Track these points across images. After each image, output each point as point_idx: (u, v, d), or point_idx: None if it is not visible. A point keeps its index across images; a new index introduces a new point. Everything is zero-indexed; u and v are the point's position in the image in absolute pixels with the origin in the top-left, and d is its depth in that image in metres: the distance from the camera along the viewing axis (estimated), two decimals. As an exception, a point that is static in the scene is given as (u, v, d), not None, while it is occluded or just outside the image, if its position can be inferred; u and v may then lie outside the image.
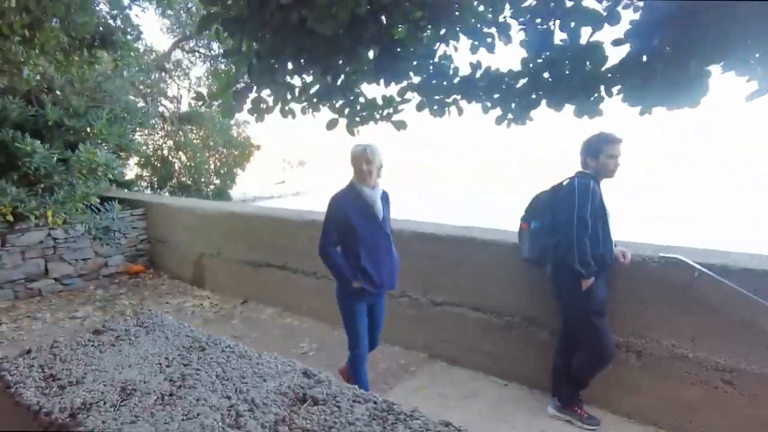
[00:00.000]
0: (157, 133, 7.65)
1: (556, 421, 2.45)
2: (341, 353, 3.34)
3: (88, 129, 4.49)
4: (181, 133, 7.90)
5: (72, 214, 4.13)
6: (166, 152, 8.29)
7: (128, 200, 5.60)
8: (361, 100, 1.65)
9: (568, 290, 2.27)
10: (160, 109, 7.22)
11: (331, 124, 1.73)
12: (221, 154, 8.15)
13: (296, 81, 1.75)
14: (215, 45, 7.67)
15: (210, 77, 8.12)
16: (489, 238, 2.96)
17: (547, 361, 2.64)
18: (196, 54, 7.85)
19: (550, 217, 2.42)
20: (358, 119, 1.70)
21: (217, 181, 8.03)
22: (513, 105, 1.41)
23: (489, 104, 1.49)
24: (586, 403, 2.48)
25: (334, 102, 1.66)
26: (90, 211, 4.47)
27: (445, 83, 1.47)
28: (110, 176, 4.22)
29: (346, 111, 1.69)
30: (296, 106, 1.82)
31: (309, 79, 1.70)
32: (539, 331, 2.75)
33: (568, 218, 2.24)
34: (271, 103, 1.84)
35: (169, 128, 7.58)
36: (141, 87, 6.04)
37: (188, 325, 1.46)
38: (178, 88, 7.69)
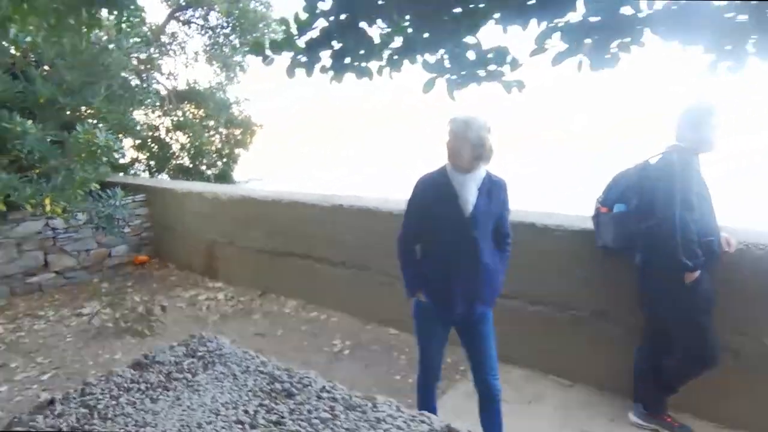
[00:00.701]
0: (153, 113, 7.17)
1: (641, 430, 2.18)
2: (380, 352, 3.05)
3: (83, 107, 4.04)
4: (179, 112, 7.42)
5: (72, 202, 3.74)
6: (163, 133, 7.82)
7: (128, 185, 5.19)
8: (470, 53, 1.25)
9: (667, 284, 1.96)
10: (156, 86, 6.72)
11: (429, 86, 1.34)
12: (222, 135, 7.69)
13: (374, 30, 1.36)
14: (214, 15, 7.13)
15: (210, 50, 7.59)
16: (551, 223, 2.64)
17: (621, 359, 2.36)
18: (193, 26, 7.30)
19: (637, 199, 2.09)
20: (459, 79, 1.29)
21: (219, 163, 7.59)
22: (731, 47, 1.01)
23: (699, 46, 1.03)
24: (669, 408, 2.21)
25: (432, 54, 1.26)
26: (90, 198, 4.08)
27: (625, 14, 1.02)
28: (111, 160, 3.81)
29: (448, 66, 1.27)
30: (374, 64, 1.43)
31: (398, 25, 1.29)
32: (612, 327, 2.46)
33: (666, 200, 1.91)
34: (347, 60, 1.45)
35: (166, 107, 7.09)
36: (135, 61, 5.55)
37: (256, 355, 1.12)
38: (175, 64, 7.15)
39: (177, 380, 0.99)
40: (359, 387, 1.00)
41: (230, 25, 6.91)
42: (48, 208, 3.65)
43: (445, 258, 1.84)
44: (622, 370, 2.36)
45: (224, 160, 7.63)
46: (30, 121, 3.58)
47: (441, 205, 1.82)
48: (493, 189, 1.84)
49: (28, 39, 3.49)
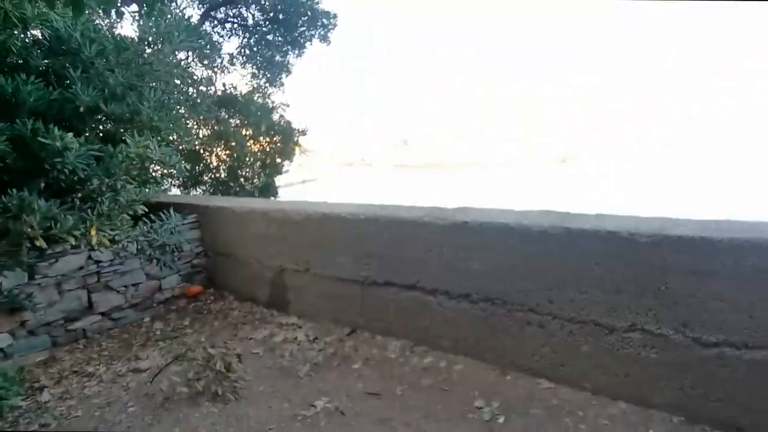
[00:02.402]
0: (189, 121, 6.51)
1: None
2: (546, 418, 2.27)
3: (129, 115, 3.37)
4: (215, 121, 6.76)
5: (122, 230, 3.05)
6: (197, 144, 7.16)
7: (175, 204, 4.50)
8: None
9: None
10: (190, 90, 6.06)
11: None
12: (264, 144, 7.02)
13: None
14: (251, 13, 6.46)
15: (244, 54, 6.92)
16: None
17: None
18: (227, 25, 6.64)
19: None
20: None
21: (261, 176, 6.90)
22: None
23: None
24: None
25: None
26: (140, 223, 3.39)
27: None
28: (177, 176, 3.11)
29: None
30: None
31: None
32: None
33: None
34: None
35: (203, 115, 6.43)
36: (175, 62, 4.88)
37: None
38: (212, 67, 6.51)
39: None
40: None
41: (272, 20, 6.24)
42: (94, 239, 2.95)
43: None
44: None
45: (267, 171, 6.94)
46: (70, 134, 2.90)
47: None
48: None
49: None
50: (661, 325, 2.16)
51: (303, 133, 7.20)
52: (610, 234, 2.24)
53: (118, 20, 4.24)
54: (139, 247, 3.39)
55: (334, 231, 3.42)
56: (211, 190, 7.15)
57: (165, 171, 3.21)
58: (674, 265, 2.09)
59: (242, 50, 6.82)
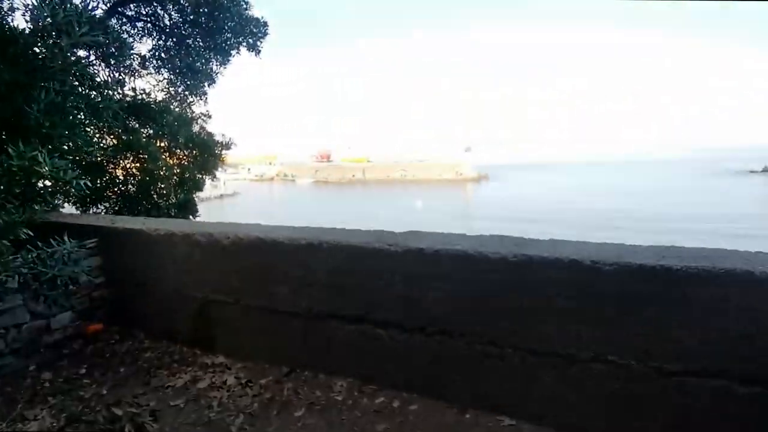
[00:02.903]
0: (90, 129, 5.67)
1: None
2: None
3: (13, 120, 2.75)
4: (123, 129, 5.97)
5: (1, 262, 2.44)
6: (99, 156, 6.28)
7: (70, 226, 3.80)
8: None
9: None
10: (92, 94, 5.29)
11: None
12: (180, 156, 6.33)
13: None
14: (168, 13, 5.84)
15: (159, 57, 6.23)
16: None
17: None
18: (139, 24, 5.93)
19: None
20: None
21: (181, 193, 6.21)
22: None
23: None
24: None
25: None
26: (23, 251, 2.75)
27: None
28: (73, 193, 2.56)
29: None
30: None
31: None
32: None
33: None
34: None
35: (108, 123, 5.63)
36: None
37: None
38: (120, 69, 5.74)
39: None
40: None
41: (192, 23, 5.67)
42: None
43: None
44: None
45: (185, 187, 6.25)
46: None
47: None
48: None
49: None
50: (623, 354, 2.11)
51: (226, 146, 6.64)
52: (573, 262, 2.17)
53: (10, 13, 3.54)
54: (22, 281, 2.74)
55: (270, 257, 3.05)
56: (116, 208, 6.30)
57: (58, 187, 2.64)
58: (636, 293, 2.07)
59: (157, 53, 6.14)
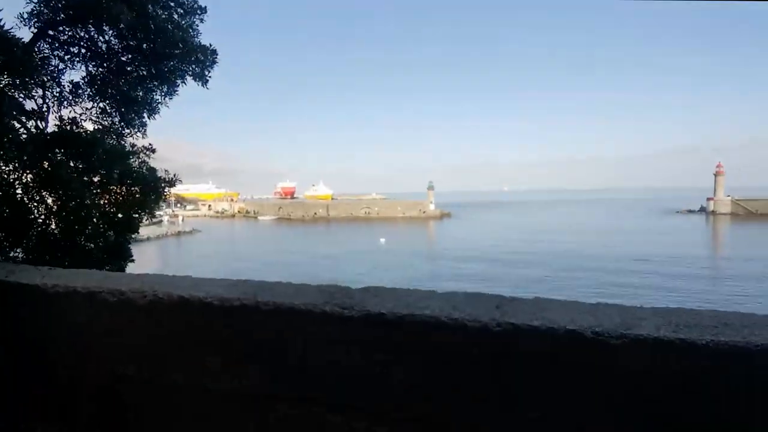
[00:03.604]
0: (7, 165, 4.94)
1: None
2: None
3: None
4: (46, 163, 5.25)
5: None
6: (20, 192, 5.50)
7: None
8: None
9: None
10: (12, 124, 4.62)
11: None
12: (115, 193, 5.63)
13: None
14: (104, 38, 5.30)
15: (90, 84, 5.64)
16: None
17: None
18: (73, 49, 5.33)
19: None
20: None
21: (112, 234, 5.46)
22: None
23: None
24: None
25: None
26: None
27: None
28: None
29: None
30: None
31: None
32: None
33: None
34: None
35: (27, 156, 4.92)
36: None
37: None
38: (44, 98, 5.09)
39: None
40: None
41: (133, 50, 5.15)
42: None
43: None
44: None
45: (118, 228, 5.52)
46: None
47: None
48: None
49: None
50: (639, 454, 1.66)
51: (170, 183, 6.00)
52: (571, 334, 1.73)
53: None
54: None
55: (198, 322, 2.45)
56: (36, 253, 5.47)
57: None
58: (648, 371, 1.65)
59: (91, 80, 5.54)
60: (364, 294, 2.31)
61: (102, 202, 5.38)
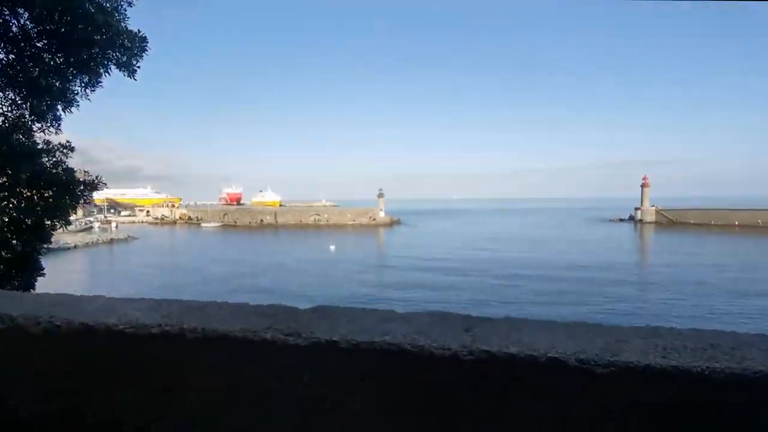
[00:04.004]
0: None
1: None
2: None
3: None
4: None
5: None
6: None
7: None
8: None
9: None
10: None
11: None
12: (23, 197, 4.89)
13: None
14: (18, 21, 4.60)
15: None
16: None
17: None
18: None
19: None
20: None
21: (18, 243, 4.72)
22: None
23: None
24: None
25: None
26: None
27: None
28: None
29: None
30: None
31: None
32: None
33: None
34: None
35: None
36: None
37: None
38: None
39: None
40: None
41: (49, 34, 4.50)
42: None
43: None
44: None
45: (25, 236, 4.78)
46: None
47: None
48: None
49: None
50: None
51: (92, 186, 5.32)
52: (553, 362, 1.52)
53: None
54: None
55: (108, 352, 2.02)
56: None
57: None
58: (639, 401, 1.46)
59: (1, 68, 4.80)
60: (313, 316, 1.99)
61: (7, 206, 4.61)
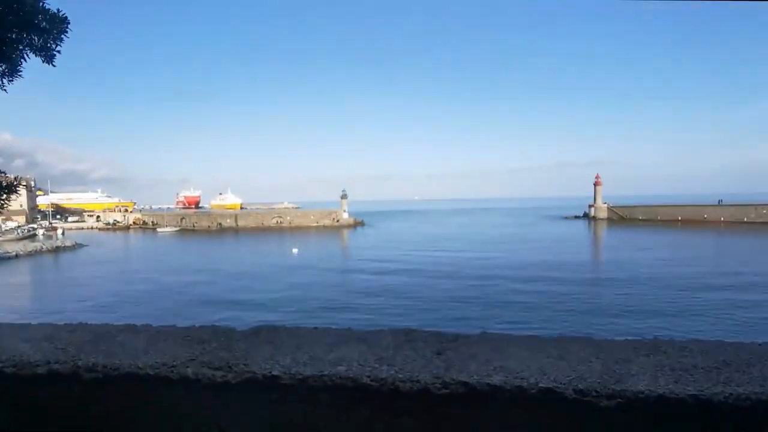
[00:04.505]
0: None
1: None
2: None
3: None
4: None
5: None
6: None
7: None
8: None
9: None
10: None
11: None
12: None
13: None
14: None
15: None
16: None
17: None
18: None
19: None
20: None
21: None
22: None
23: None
24: None
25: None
26: None
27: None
28: None
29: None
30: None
31: None
32: None
33: None
34: None
35: None
36: None
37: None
38: None
39: None
40: None
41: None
42: None
43: None
44: None
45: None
46: None
47: None
48: None
49: None
50: None
51: (10, 189, 4.66)
52: (547, 394, 1.23)
53: None
54: None
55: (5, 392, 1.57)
56: None
57: None
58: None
59: None
60: (254, 340, 1.62)
61: None
